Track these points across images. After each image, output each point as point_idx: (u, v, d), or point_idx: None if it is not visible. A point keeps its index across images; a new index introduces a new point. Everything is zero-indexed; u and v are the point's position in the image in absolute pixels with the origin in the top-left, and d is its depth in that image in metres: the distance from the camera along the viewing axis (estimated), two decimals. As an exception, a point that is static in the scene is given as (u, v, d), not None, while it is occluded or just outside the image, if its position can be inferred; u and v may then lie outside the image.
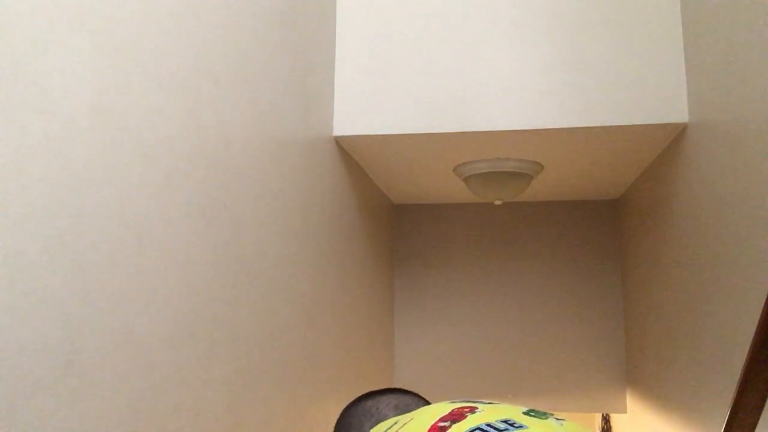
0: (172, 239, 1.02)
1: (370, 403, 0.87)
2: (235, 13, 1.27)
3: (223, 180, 1.20)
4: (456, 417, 0.63)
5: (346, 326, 2.08)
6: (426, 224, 3.11)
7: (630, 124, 1.79)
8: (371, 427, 0.81)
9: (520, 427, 0.58)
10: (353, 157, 2.18)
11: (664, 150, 2.03)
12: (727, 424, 1.05)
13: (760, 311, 1.10)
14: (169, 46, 1.03)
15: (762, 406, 1.02)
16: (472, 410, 0.63)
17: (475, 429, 0.59)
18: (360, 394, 0.91)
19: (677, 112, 1.77)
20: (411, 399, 0.86)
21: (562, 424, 0.60)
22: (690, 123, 1.74)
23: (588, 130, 1.85)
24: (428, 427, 0.62)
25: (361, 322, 2.30)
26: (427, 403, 0.86)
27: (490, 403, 0.67)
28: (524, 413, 0.62)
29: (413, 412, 0.72)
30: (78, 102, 0.81)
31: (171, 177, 1.02)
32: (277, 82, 1.49)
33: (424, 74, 1.90)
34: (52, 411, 0.75)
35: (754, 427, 1.03)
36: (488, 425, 0.59)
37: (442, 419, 0.63)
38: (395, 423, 0.70)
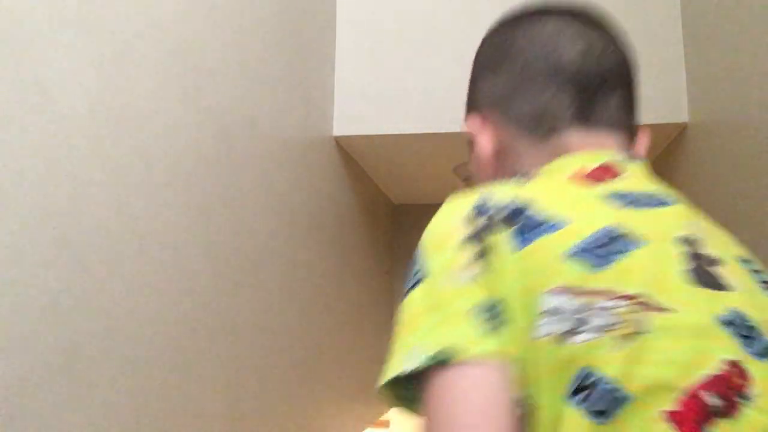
0: (172, 239, 1.02)
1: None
2: (235, 13, 1.27)
3: (223, 180, 1.20)
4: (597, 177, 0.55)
5: (346, 326, 2.08)
6: (426, 224, 3.10)
7: (630, 124, 1.78)
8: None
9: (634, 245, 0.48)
10: (353, 157, 2.18)
11: (664, 150, 2.03)
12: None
13: (760, 311, 1.10)
14: (169, 46, 1.03)
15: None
16: (615, 175, 0.55)
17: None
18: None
19: (677, 112, 1.77)
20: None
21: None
22: (690, 123, 1.74)
23: (588, 130, 1.85)
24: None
25: (361, 321, 2.30)
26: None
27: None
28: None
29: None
30: (78, 102, 0.81)
31: (171, 177, 1.02)
32: (277, 82, 1.49)
33: (424, 74, 1.90)
34: (52, 411, 0.75)
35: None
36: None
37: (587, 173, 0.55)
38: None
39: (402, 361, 0.46)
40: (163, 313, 0.99)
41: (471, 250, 0.49)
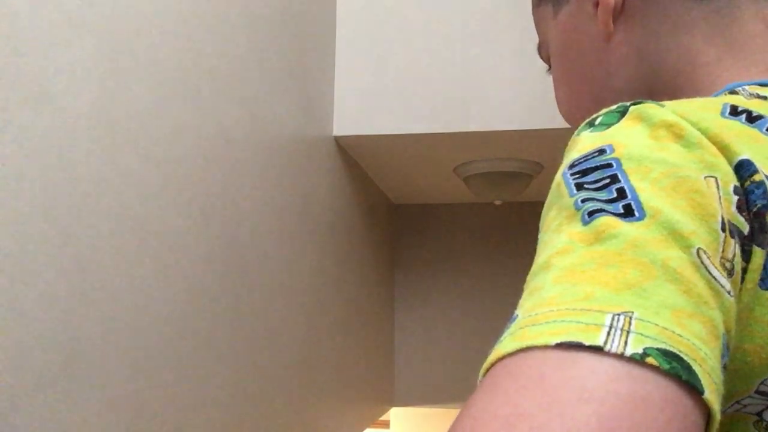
0: (172, 239, 1.02)
1: None
2: (235, 12, 1.27)
3: (223, 180, 1.20)
4: None
5: (346, 326, 2.08)
6: (426, 224, 3.11)
7: (630, 124, 1.78)
8: None
9: None
10: (353, 157, 2.18)
11: None
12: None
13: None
14: (169, 46, 1.03)
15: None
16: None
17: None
18: None
19: (677, 112, 1.76)
20: None
21: None
22: (690, 123, 1.74)
23: (588, 130, 1.85)
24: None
25: (361, 321, 2.30)
26: None
27: None
28: None
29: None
30: (78, 101, 0.81)
31: (171, 177, 1.02)
32: (277, 82, 1.49)
33: (424, 74, 1.90)
34: (52, 411, 0.75)
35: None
36: None
37: None
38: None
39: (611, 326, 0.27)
40: (163, 313, 0.99)
41: (728, 247, 0.28)
